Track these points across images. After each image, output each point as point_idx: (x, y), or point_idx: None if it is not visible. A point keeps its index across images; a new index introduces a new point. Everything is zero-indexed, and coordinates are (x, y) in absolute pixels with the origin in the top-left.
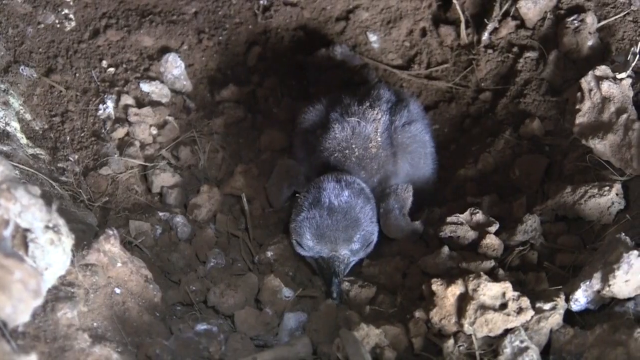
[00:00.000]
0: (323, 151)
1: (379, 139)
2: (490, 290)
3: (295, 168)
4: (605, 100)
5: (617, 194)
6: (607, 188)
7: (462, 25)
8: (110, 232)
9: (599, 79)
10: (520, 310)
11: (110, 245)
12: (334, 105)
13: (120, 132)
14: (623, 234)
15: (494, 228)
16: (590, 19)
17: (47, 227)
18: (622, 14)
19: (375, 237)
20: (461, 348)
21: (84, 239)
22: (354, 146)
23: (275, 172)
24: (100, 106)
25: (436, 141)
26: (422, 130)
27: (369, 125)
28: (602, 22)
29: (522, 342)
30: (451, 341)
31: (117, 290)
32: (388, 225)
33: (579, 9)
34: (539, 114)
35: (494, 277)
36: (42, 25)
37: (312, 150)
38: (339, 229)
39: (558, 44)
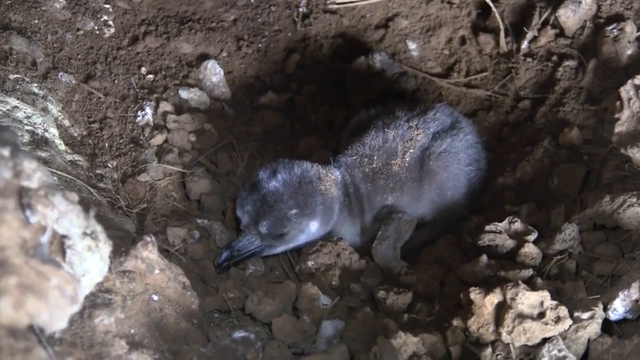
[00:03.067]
0: (349, 152)
1: (407, 159)
2: (528, 299)
3: None
4: None
5: None
6: None
7: (502, 34)
8: (148, 239)
9: (638, 88)
10: (558, 319)
11: (147, 252)
12: (386, 114)
13: (158, 139)
14: None
15: (532, 237)
16: (630, 28)
17: (84, 233)
18: None
19: (298, 234)
20: (499, 357)
21: (122, 245)
22: (375, 157)
23: None
24: (139, 113)
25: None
26: (459, 162)
27: (402, 143)
28: None
29: (560, 351)
30: (489, 350)
31: (155, 297)
32: (376, 250)
33: (618, 18)
34: (578, 122)
35: (532, 286)
36: (81, 32)
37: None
38: (253, 206)
39: (597, 52)
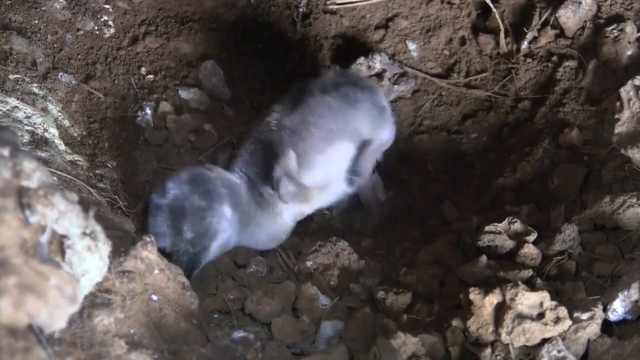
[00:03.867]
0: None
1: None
2: (527, 300)
3: None
4: None
5: None
6: None
7: (502, 34)
8: (148, 239)
9: (639, 89)
10: (557, 320)
11: (147, 252)
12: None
13: (158, 139)
14: None
15: (532, 237)
16: (630, 29)
17: (84, 233)
18: None
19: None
20: (498, 357)
21: (121, 245)
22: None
23: None
24: (139, 113)
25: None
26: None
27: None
28: None
29: (559, 351)
30: (488, 350)
31: (154, 297)
32: (280, 187)
33: (618, 18)
34: (578, 123)
35: (531, 286)
36: (81, 32)
37: None
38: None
39: (597, 53)
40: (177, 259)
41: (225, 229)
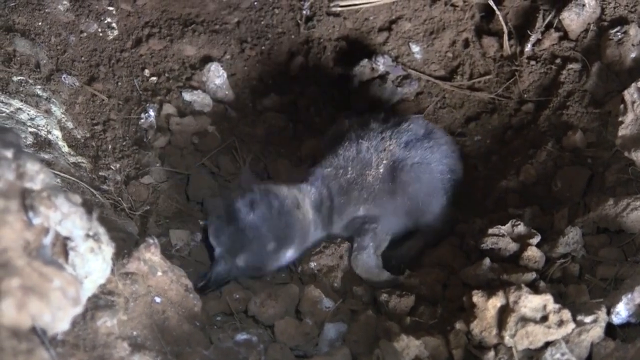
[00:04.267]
0: (324, 164)
1: (381, 170)
2: (531, 303)
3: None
4: None
5: None
6: None
7: (505, 37)
8: (151, 241)
9: None
10: (561, 323)
11: (150, 254)
12: (360, 124)
13: (162, 141)
14: None
15: (535, 240)
16: (634, 31)
17: (87, 235)
18: None
19: (273, 264)
20: None
21: (125, 247)
22: (349, 168)
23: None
24: (142, 115)
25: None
26: (431, 172)
27: (376, 154)
28: None
29: (562, 354)
30: (492, 353)
31: (157, 299)
32: (357, 260)
33: (622, 21)
34: (582, 125)
35: (535, 289)
36: (85, 34)
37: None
38: (229, 238)
39: (601, 55)
40: (215, 268)
41: (279, 264)
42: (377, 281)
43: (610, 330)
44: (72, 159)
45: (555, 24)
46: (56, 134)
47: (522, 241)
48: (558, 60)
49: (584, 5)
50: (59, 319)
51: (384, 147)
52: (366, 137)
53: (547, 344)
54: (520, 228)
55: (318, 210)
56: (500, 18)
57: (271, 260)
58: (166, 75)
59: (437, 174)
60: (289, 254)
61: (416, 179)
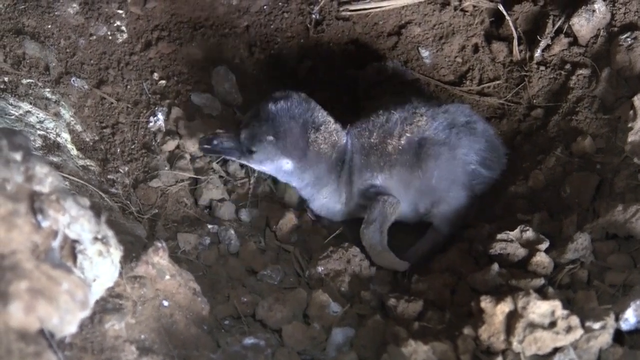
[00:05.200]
0: (358, 122)
1: (402, 142)
2: (539, 308)
3: None
4: None
5: None
6: None
7: (515, 42)
8: (159, 245)
9: None
10: (569, 329)
11: (158, 258)
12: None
13: (170, 145)
14: None
15: (544, 246)
16: None
17: (95, 238)
18: None
19: (266, 161)
20: None
21: (133, 251)
22: (375, 133)
23: None
24: (151, 118)
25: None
26: (454, 157)
27: (401, 126)
28: None
29: None
30: (499, 359)
31: (165, 303)
32: (363, 234)
33: (632, 27)
34: (591, 131)
35: (543, 295)
36: (94, 37)
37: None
38: (251, 115)
39: (611, 61)
40: (224, 138)
41: (272, 164)
42: (378, 258)
43: (619, 336)
44: (80, 162)
45: (565, 30)
46: (65, 137)
47: (530, 247)
48: (568, 66)
49: (594, 11)
50: (67, 322)
51: (412, 121)
52: (399, 109)
53: (556, 350)
54: (529, 234)
55: (340, 160)
56: (510, 23)
57: (264, 152)
58: (175, 78)
59: (460, 162)
60: (288, 164)
61: (437, 158)
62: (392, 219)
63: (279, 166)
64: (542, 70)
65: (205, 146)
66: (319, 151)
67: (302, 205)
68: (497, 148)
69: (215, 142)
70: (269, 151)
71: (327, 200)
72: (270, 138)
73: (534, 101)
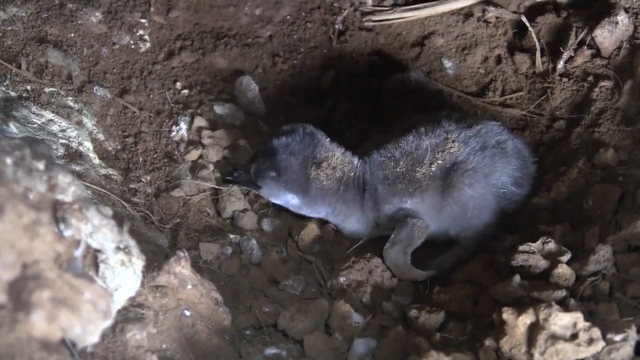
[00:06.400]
0: (381, 151)
1: (433, 168)
2: (561, 320)
3: None
4: None
5: None
6: None
7: (538, 53)
8: (181, 254)
9: None
10: (591, 341)
11: (180, 267)
12: (435, 121)
13: (193, 154)
14: None
15: (565, 257)
16: None
17: (118, 248)
18: None
19: (272, 196)
20: None
21: (155, 260)
22: (401, 162)
23: None
24: (174, 128)
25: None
26: (487, 182)
27: (432, 153)
28: None
29: None
30: None
31: (187, 313)
32: (387, 253)
33: None
34: (613, 143)
35: (565, 307)
36: (117, 46)
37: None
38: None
39: (633, 73)
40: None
41: (278, 196)
42: (403, 277)
43: None
44: (103, 171)
45: (587, 41)
46: (87, 146)
47: (552, 258)
48: (590, 78)
49: (617, 23)
50: (89, 331)
51: (444, 148)
52: (430, 135)
53: None
54: (551, 245)
55: (359, 189)
56: (533, 35)
57: (268, 188)
58: (198, 88)
59: (493, 187)
60: (294, 200)
61: (469, 186)
62: (419, 243)
63: (286, 201)
64: (564, 82)
65: (227, 177)
66: (322, 187)
67: None
68: (527, 163)
69: (235, 174)
70: (272, 187)
71: (357, 227)
72: (273, 174)
73: (557, 113)
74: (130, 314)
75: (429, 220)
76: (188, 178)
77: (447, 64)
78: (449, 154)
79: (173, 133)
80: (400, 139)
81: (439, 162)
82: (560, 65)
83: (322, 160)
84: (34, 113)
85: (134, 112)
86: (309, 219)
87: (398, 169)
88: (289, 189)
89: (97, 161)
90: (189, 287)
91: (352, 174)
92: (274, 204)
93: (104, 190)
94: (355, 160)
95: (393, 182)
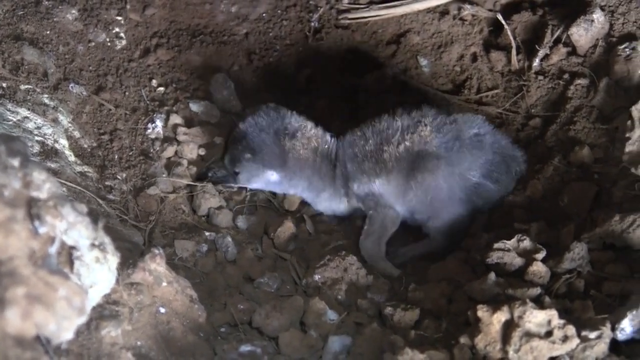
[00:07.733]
0: (355, 130)
1: (400, 151)
2: (535, 318)
3: None
4: None
5: None
6: None
7: (513, 51)
8: (156, 252)
9: None
10: (565, 338)
11: (155, 265)
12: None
13: (169, 152)
14: None
15: (541, 255)
16: None
17: (93, 245)
18: None
19: (252, 177)
20: None
21: (130, 257)
22: (371, 140)
23: None
24: (149, 125)
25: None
26: (452, 172)
27: (402, 134)
28: None
29: None
30: None
31: (162, 310)
32: (362, 245)
33: (631, 37)
34: (589, 141)
35: (540, 304)
36: (93, 44)
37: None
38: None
39: (609, 71)
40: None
41: (258, 179)
42: (377, 268)
43: (615, 346)
44: (78, 168)
45: (563, 39)
46: (63, 143)
47: (527, 256)
48: (566, 76)
49: (592, 21)
50: (63, 328)
51: (414, 130)
52: (404, 117)
53: None
54: (526, 243)
55: (332, 164)
56: (509, 32)
57: (247, 170)
58: (174, 85)
59: (460, 178)
60: (273, 176)
61: (434, 173)
62: (391, 231)
63: (266, 180)
64: (540, 80)
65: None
66: (300, 157)
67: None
68: (508, 160)
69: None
70: (250, 168)
71: (330, 203)
72: (248, 155)
73: (532, 110)
74: (105, 311)
75: (395, 202)
76: (164, 175)
77: (423, 61)
78: (419, 137)
79: (149, 130)
80: (375, 118)
81: (407, 143)
82: (536, 63)
83: (296, 130)
84: (9, 110)
85: (110, 110)
86: (285, 216)
87: (367, 147)
88: (267, 165)
89: (72, 158)
90: (164, 284)
91: (326, 147)
92: (252, 191)
93: (80, 188)
94: (328, 136)
95: (362, 160)
